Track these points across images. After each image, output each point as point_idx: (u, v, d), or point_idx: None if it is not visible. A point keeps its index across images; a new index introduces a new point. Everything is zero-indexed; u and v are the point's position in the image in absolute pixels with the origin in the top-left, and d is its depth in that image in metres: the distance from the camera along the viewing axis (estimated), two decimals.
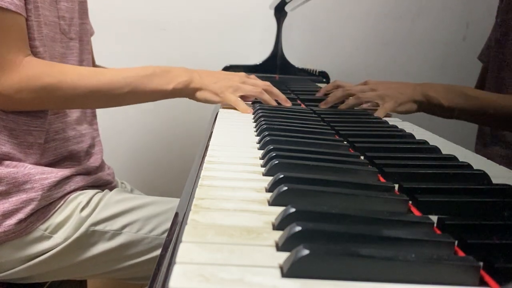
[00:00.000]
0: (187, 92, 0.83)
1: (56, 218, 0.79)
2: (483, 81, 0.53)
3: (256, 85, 0.88)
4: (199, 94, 0.83)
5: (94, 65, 1.13)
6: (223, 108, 0.86)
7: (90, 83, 0.77)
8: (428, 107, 0.65)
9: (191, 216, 0.34)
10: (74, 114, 0.90)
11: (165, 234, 0.81)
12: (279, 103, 0.88)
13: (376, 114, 0.79)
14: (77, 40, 0.93)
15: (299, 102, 0.97)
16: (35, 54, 0.78)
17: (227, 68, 1.60)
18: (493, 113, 0.51)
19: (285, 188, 0.38)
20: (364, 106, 0.89)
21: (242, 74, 0.91)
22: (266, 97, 0.87)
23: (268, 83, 0.90)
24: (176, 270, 0.27)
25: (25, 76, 0.74)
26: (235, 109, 0.85)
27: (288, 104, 0.88)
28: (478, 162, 0.49)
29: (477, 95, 0.54)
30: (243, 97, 0.86)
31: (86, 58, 0.96)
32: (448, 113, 0.59)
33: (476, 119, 0.53)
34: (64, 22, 0.87)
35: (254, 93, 0.87)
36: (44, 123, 0.82)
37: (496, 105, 0.50)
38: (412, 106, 0.69)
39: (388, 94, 0.78)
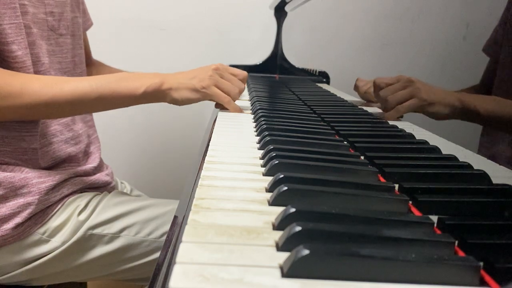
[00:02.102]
0: (160, 94, 0.77)
1: (54, 221, 0.79)
2: (489, 75, 0.52)
3: (231, 84, 0.82)
4: (175, 94, 0.77)
5: (90, 59, 1.11)
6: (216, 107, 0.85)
7: (52, 91, 0.73)
8: (462, 114, 0.63)
9: (191, 216, 0.34)
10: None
11: (164, 237, 0.81)
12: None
13: (399, 107, 0.73)
14: (69, 35, 0.90)
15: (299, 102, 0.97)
16: (12, 59, 0.75)
17: None
18: None
19: (285, 188, 0.38)
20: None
21: (218, 64, 0.83)
22: (233, 105, 0.82)
23: (244, 74, 0.84)
24: (176, 270, 0.27)
25: None
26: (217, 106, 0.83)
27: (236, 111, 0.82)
28: (478, 162, 0.49)
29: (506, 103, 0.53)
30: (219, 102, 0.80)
31: (78, 53, 0.94)
32: (484, 121, 0.57)
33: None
34: (52, 18, 0.85)
35: (229, 92, 0.81)
36: (35, 127, 0.80)
37: None
38: (444, 110, 0.66)
39: (421, 89, 0.72)
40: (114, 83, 0.76)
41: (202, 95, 0.78)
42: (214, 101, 0.81)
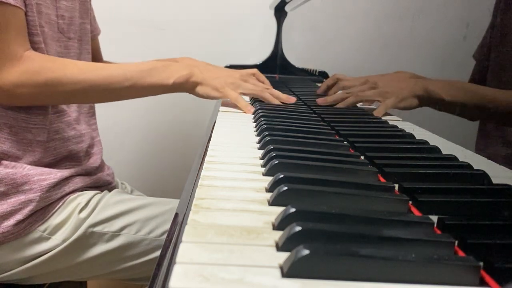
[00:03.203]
0: (188, 86, 0.83)
1: (55, 219, 0.79)
2: (475, 79, 0.52)
3: (256, 85, 0.88)
4: (199, 89, 0.83)
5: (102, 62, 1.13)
6: (223, 106, 0.86)
7: (90, 77, 0.77)
8: (429, 101, 0.65)
9: (191, 216, 0.34)
10: (73, 113, 0.90)
11: (164, 236, 0.81)
12: (283, 102, 0.88)
13: (376, 111, 0.79)
14: (76, 40, 0.92)
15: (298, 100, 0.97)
16: (36, 50, 0.78)
17: (226, 68, 1.60)
18: (492, 107, 0.51)
19: (285, 188, 0.38)
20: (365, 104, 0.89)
21: (245, 71, 0.92)
22: (267, 95, 0.87)
23: (267, 84, 0.91)
24: (176, 270, 0.27)
25: (26, 71, 0.74)
26: (235, 106, 0.85)
27: (291, 100, 0.89)
28: (478, 162, 0.49)
29: (477, 89, 0.54)
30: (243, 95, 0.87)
31: (84, 58, 0.96)
32: (449, 107, 0.59)
33: (476, 114, 0.53)
34: (63, 21, 0.87)
35: (255, 92, 0.87)
36: (44, 121, 0.81)
37: (496, 100, 0.50)
38: (413, 101, 0.69)
39: (388, 90, 0.78)
40: (147, 72, 0.81)
41: (220, 95, 0.84)
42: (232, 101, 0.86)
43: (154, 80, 0.81)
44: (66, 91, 0.77)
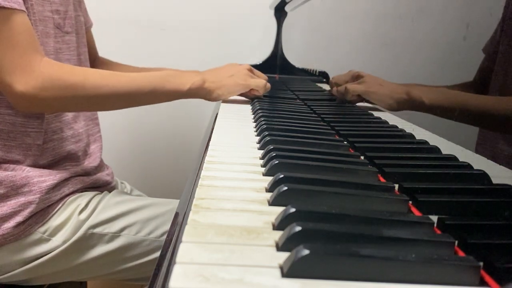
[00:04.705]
0: (202, 92, 0.85)
1: (55, 220, 0.79)
2: (484, 73, 0.53)
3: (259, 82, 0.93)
4: (219, 92, 0.86)
5: (96, 57, 1.12)
6: (224, 103, 0.87)
7: (112, 82, 0.78)
8: (410, 105, 0.68)
9: (191, 216, 0.34)
10: (70, 113, 0.90)
11: (164, 236, 0.82)
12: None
13: (349, 84, 0.85)
14: (74, 33, 0.91)
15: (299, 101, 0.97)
16: None
17: None
18: (472, 111, 0.52)
19: (285, 188, 0.38)
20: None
21: (242, 66, 0.94)
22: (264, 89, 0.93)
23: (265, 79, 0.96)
24: (176, 270, 0.27)
25: (48, 76, 0.73)
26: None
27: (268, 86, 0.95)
28: (478, 162, 0.49)
29: (457, 94, 0.55)
30: (245, 94, 0.92)
31: (83, 51, 0.95)
32: (430, 111, 0.61)
33: (459, 118, 0.54)
34: (58, 16, 0.86)
35: (259, 89, 0.92)
36: (42, 124, 0.81)
37: (474, 104, 0.52)
38: (392, 103, 0.72)
39: (373, 86, 0.82)
40: (164, 78, 0.82)
41: (243, 87, 0.89)
42: (251, 92, 0.92)
43: (172, 86, 0.82)
44: (89, 96, 0.76)
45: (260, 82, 0.92)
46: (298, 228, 0.30)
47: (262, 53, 1.66)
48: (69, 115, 0.89)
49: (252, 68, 0.97)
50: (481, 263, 0.29)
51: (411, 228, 0.35)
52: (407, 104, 0.68)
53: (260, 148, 0.57)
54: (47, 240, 0.78)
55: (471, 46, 0.55)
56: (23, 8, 0.73)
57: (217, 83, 0.85)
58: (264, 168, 0.47)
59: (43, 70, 0.73)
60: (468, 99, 0.52)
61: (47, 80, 0.73)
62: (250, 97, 0.95)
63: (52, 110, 0.80)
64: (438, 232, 0.35)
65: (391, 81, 0.77)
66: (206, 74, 0.87)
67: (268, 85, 0.95)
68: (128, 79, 0.79)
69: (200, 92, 0.84)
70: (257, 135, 0.63)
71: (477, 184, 0.45)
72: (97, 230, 0.80)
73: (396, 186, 0.43)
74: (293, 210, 0.33)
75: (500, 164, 0.46)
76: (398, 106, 0.72)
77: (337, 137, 0.63)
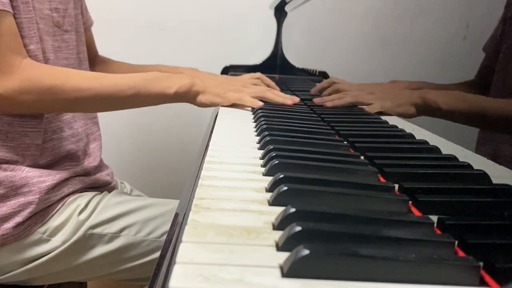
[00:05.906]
0: (189, 96, 0.83)
1: (54, 221, 0.79)
2: (485, 72, 0.52)
3: (257, 87, 0.89)
4: (201, 97, 0.83)
5: (96, 55, 1.12)
6: (224, 107, 0.86)
7: (93, 85, 0.76)
8: (426, 110, 0.66)
9: (191, 216, 0.34)
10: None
11: (164, 237, 0.81)
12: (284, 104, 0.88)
13: (370, 107, 0.80)
14: (73, 32, 0.91)
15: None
16: (33, 49, 0.77)
17: (227, 68, 1.60)
18: (490, 116, 0.51)
19: (285, 188, 0.38)
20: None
21: (248, 75, 0.92)
22: (270, 95, 0.87)
23: (273, 86, 0.91)
24: (176, 270, 0.27)
25: (27, 78, 0.72)
26: (236, 107, 0.85)
27: (296, 99, 0.88)
28: (478, 162, 0.49)
29: (475, 98, 0.54)
30: (241, 105, 0.86)
31: (82, 50, 0.95)
32: (447, 116, 0.60)
33: (475, 123, 0.54)
34: (57, 14, 0.86)
35: (257, 94, 0.86)
36: (40, 124, 0.81)
37: (493, 108, 0.51)
38: (410, 109, 0.69)
39: (385, 96, 0.79)
40: (149, 81, 0.80)
41: (222, 100, 0.84)
42: (237, 106, 0.86)
43: (157, 89, 0.80)
44: (69, 99, 0.76)
45: (256, 94, 0.86)
46: (298, 228, 0.30)
47: (262, 53, 1.66)
48: (69, 114, 0.89)
49: (263, 77, 0.93)
50: (481, 263, 0.29)
51: (411, 228, 0.35)
52: (423, 109, 0.66)
53: (260, 148, 0.57)
54: (47, 240, 0.78)
55: (471, 46, 0.55)
56: (8, 8, 0.72)
57: (203, 88, 0.83)
58: (264, 168, 0.47)
59: (22, 73, 0.72)
60: (487, 104, 0.51)
61: (26, 82, 0.72)
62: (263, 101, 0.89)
63: (33, 112, 0.79)
64: (438, 232, 0.35)
65: (391, 81, 0.77)
66: (197, 78, 0.85)
67: (282, 100, 0.87)
68: (110, 82, 0.78)
69: (187, 96, 0.83)
70: (257, 135, 0.63)
71: (477, 184, 0.45)
72: (97, 230, 0.80)
73: (396, 186, 0.43)
74: (293, 210, 0.33)
75: (500, 164, 0.46)
76: (415, 112, 0.70)
77: (337, 137, 0.63)
